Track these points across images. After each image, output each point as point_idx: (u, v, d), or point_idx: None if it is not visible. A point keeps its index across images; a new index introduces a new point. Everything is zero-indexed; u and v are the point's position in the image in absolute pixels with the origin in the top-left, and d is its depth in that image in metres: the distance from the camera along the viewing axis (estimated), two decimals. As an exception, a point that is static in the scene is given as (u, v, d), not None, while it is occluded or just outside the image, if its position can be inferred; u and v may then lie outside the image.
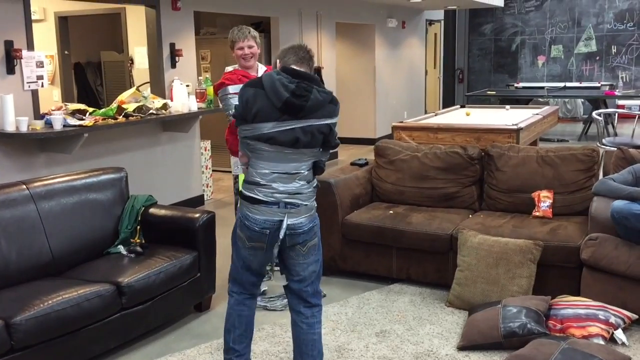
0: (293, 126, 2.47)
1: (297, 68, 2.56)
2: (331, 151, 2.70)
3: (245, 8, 7.01)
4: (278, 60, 2.66)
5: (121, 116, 4.84)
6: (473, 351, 3.18)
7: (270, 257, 2.65)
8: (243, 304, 2.78)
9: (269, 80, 2.49)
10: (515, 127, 5.56)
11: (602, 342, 3.12)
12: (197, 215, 3.65)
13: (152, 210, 3.78)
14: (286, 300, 2.94)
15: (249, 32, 3.88)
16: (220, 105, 3.99)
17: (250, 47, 3.86)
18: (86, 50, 8.07)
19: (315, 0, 8.35)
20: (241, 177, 3.82)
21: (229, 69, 3.97)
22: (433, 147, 4.51)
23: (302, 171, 2.57)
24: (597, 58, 13.13)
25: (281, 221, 2.53)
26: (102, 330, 3.03)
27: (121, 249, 3.56)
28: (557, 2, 13.36)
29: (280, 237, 2.54)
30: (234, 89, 3.74)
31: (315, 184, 2.66)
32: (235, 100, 3.64)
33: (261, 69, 3.95)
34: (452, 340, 3.31)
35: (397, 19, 10.76)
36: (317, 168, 2.65)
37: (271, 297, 3.86)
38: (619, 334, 3.21)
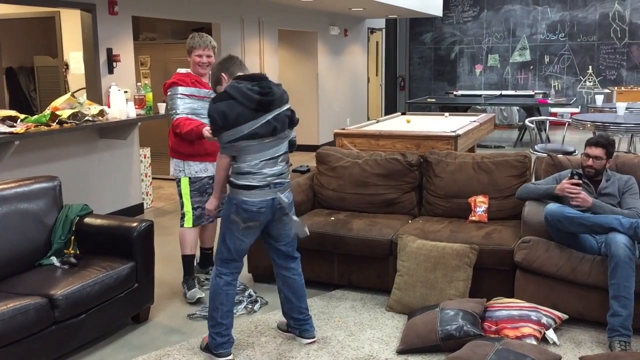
0: (268, 118, 2.99)
1: (246, 73, 3.10)
2: (294, 131, 3.22)
3: (186, 13, 6.93)
4: (224, 74, 3.14)
5: (55, 123, 4.69)
6: (412, 354, 3.23)
7: (254, 237, 3.17)
8: (230, 284, 3.19)
9: (237, 90, 2.97)
10: (453, 134, 5.71)
11: (534, 342, 3.23)
12: (134, 224, 3.57)
13: (87, 219, 3.67)
14: (240, 306, 3.79)
15: (210, 42, 3.95)
16: (167, 104, 4.03)
17: (208, 56, 3.93)
18: (18, 55, 7.80)
19: (257, 6, 8.35)
20: (183, 180, 3.91)
21: (181, 71, 3.99)
22: (373, 154, 4.57)
23: (281, 153, 3.11)
24: (531, 67, 13.64)
25: (273, 199, 3.06)
26: (33, 345, 2.92)
27: (54, 260, 3.45)
28: (493, 12, 13.82)
29: (281, 206, 3.08)
30: (184, 90, 3.86)
31: (290, 162, 3.19)
32: (182, 102, 3.84)
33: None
34: (392, 344, 3.35)
35: (339, 27, 10.88)
36: (291, 145, 3.21)
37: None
38: (551, 334, 3.32)
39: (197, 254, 4.23)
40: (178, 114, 3.84)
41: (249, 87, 2.97)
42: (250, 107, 2.96)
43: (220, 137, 3.04)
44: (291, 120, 3.13)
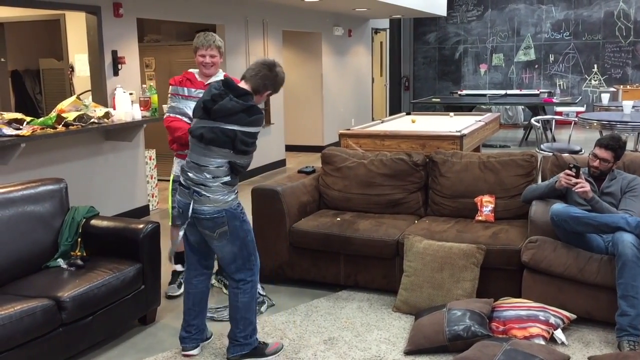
0: (203, 124, 2.92)
1: (243, 82, 2.99)
2: (244, 157, 2.98)
3: (191, 15, 6.93)
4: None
5: (61, 125, 4.70)
6: (419, 355, 3.22)
7: (201, 239, 3.10)
8: (190, 282, 3.23)
9: (210, 86, 3.00)
10: (458, 133, 5.69)
11: (542, 342, 3.21)
12: (140, 226, 3.57)
13: (93, 221, 3.68)
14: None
15: (214, 42, 3.85)
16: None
17: (212, 56, 3.86)
18: (24, 58, 7.82)
19: (261, 8, 8.35)
20: (171, 178, 3.99)
21: (193, 71, 3.98)
22: (379, 154, 4.57)
23: (210, 166, 2.94)
24: (536, 66, 13.60)
25: (188, 204, 2.98)
26: (41, 347, 2.92)
27: (61, 262, 3.45)
28: (497, 12, 13.79)
29: (189, 216, 2.98)
30: (172, 89, 3.94)
31: (224, 181, 2.96)
32: (169, 101, 3.93)
33: (217, 78, 3.92)
34: (399, 345, 3.34)
35: (343, 27, 10.87)
36: (234, 170, 3.00)
37: (218, 308, 3.81)
38: (559, 334, 3.31)
39: None
40: (166, 112, 3.96)
41: (214, 88, 2.94)
42: (201, 106, 2.96)
43: None
44: (233, 142, 2.89)
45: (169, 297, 4.05)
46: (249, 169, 8.35)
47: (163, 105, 5.79)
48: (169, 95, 3.97)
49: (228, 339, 3.20)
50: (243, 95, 2.91)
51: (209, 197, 2.95)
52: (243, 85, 2.98)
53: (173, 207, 3.89)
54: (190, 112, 3.66)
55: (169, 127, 3.89)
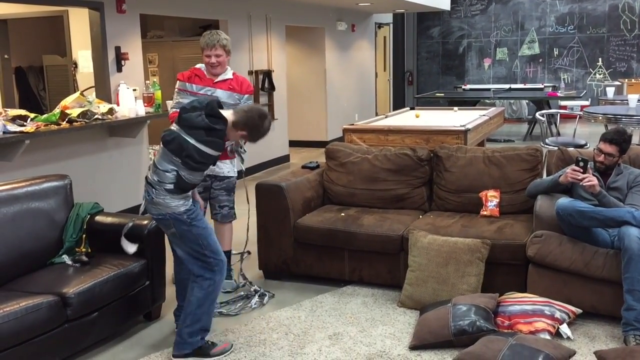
0: (173, 129, 2.98)
1: (230, 111, 3.06)
2: (190, 172, 2.96)
3: (193, 11, 6.92)
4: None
5: (65, 122, 4.70)
6: (425, 350, 3.22)
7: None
8: (179, 266, 3.34)
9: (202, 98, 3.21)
10: (463, 128, 5.67)
11: (548, 337, 3.20)
12: (145, 222, 3.57)
13: (98, 217, 3.68)
14: (254, 300, 3.79)
15: (218, 41, 3.79)
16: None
17: (217, 56, 3.80)
18: (28, 54, 7.82)
19: (264, 3, 8.33)
20: None
21: (202, 67, 3.94)
22: (383, 149, 4.55)
23: (160, 168, 2.97)
24: (540, 60, 13.55)
25: (144, 199, 3.07)
26: (46, 343, 2.93)
27: (66, 258, 3.45)
28: (501, 6, 13.73)
29: (140, 211, 3.13)
30: (179, 84, 3.89)
31: (167, 188, 2.97)
32: (175, 95, 3.90)
33: (225, 76, 3.92)
34: (404, 340, 3.34)
35: (346, 22, 10.84)
36: (178, 181, 2.96)
37: (222, 303, 3.80)
38: (564, 329, 3.30)
39: None
40: (172, 107, 3.92)
41: (198, 102, 3.01)
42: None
43: None
44: (182, 151, 2.92)
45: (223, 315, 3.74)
46: (250, 165, 8.33)
47: (167, 102, 5.80)
48: (176, 90, 3.93)
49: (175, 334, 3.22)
50: (214, 117, 2.94)
51: (152, 198, 3.01)
52: (228, 114, 3.02)
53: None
54: None
55: (173, 117, 3.83)
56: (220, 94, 3.81)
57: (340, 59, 10.78)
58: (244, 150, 3.41)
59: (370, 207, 4.39)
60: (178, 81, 3.92)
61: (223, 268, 3.17)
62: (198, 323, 3.12)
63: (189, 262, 3.14)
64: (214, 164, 3.16)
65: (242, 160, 3.50)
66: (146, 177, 3.06)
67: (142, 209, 3.11)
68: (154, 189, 2.99)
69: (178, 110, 3.77)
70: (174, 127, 2.99)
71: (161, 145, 2.99)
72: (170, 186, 2.97)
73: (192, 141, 2.90)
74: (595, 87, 13.15)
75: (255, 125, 3.03)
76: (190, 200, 3.08)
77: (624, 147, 3.62)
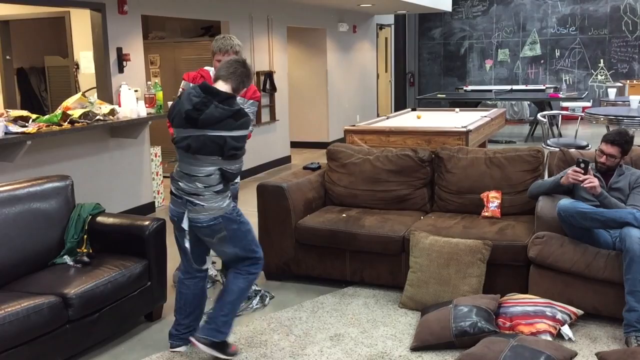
0: (188, 134, 2.86)
1: (221, 82, 2.91)
2: (234, 162, 2.94)
3: (195, 12, 6.93)
4: (215, 69, 3.10)
5: (66, 122, 4.70)
6: (426, 351, 3.21)
7: (201, 247, 3.15)
8: (183, 283, 3.25)
9: (185, 94, 2.90)
10: (464, 129, 5.67)
11: (549, 338, 3.20)
12: (146, 222, 3.57)
13: (99, 218, 3.68)
14: (255, 301, 3.79)
15: (231, 47, 3.70)
16: None
17: None
18: (29, 55, 7.83)
19: (266, 4, 8.33)
20: None
21: (209, 69, 3.88)
22: (385, 150, 4.55)
23: (200, 175, 2.91)
24: (542, 61, 13.54)
25: (183, 213, 3.00)
26: (47, 344, 2.93)
27: (67, 259, 3.46)
28: (502, 7, 13.72)
29: (184, 227, 3.01)
30: (184, 84, 3.80)
31: (217, 190, 2.94)
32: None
33: None
34: (405, 341, 3.34)
35: (348, 24, 10.85)
36: (223, 175, 2.96)
37: None
38: (566, 330, 3.29)
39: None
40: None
41: (193, 96, 2.85)
42: (182, 115, 2.87)
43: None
44: (221, 148, 2.84)
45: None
46: (251, 166, 8.33)
47: (168, 102, 5.81)
48: (181, 89, 3.83)
49: (205, 320, 3.18)
50: (226, 99, 2.84)
51: (203, 205, 2.94)
52: (221, 86, 2.90)
53: None
54: None
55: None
56: None
57: (342, 60, 10.79)
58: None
59: (372, 208, 4.39)
60: (183, 81, 3.86)
61: (262, 258, 3.21)
62: (233, 313, 3.13)
63: (236, 262, 3.12)
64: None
65: None
66: (179, 191, 2.96)
67: (185, 224, 2.99)
68: (201, 196, 2.92)
69: None
70: (187, 132, 2.85)
71: (186, 154, 2.89)
72: (220, 186, 2.94)
73: (225, 134, 2.81)
74: (597, 88, 13.14)
75: (248, 74, 2.97)
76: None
77: (626, 149, 3.62)
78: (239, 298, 3.13)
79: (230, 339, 3.39)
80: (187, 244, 3.08)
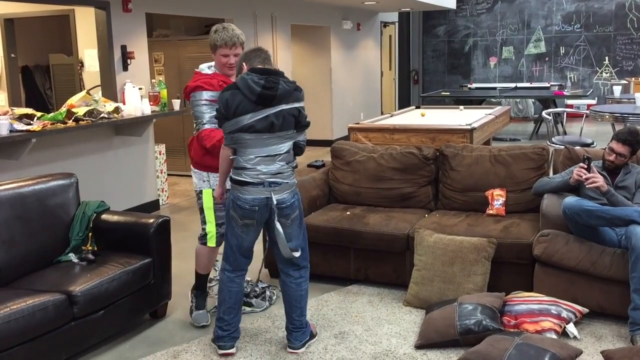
0: (267, 113, 2.90)
1: (263, 67, 2.99)
2: (303, 134, 3.10)
3: (199, 10, 6.93)
4: (244, 64, 3.04)
5: (71, 120, 4.71)
6: (430, 349, 3.21)
7: (255, 235, 3.11)
8: (233, 281, 3.17)
9: (242, 81, 2.92)
10: (468, 127, 5.65)
11: (554, 336, 3.19)
12: (150, 220, 3.57)
13: (104, 216, 3.69)
14: (267, 297, 3.84)
15: (238, 38, 3.36)
16: (192, 111, 3.45)
17: (237, 55, 3.33)
18: (34, 53, 7.85)
19: (270, 2, 8.33)
20: (205, 192, 3.43)
21: (204, 68, 3.45)
22: (389, 148, 4.55)
23: (282, 152, 2.99)
24: (547, 59, 13.49)
25: (267, 198, 2.97)
26: (52, 341, 2.94)
27: (72, 256, 3.47)
28: (507, 4, 13.68)
29: (274, 209, 2.98)
30: (210, 95, 3.31)
31: (294, 164, 3.08)
32: (209, 109, 3.31)
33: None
34: (410, 339, 3.33)
35: (352, 21, 10.83)
36: (297, 148, 3.08)
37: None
38: (571, 328, 3.28)
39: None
40: (204, 124, 3.32)
41: (255, 79, 2.89)
42: (251, 99, 2.88)
43: (223, 127, 3.01)
44: (297, 120, 2.99)
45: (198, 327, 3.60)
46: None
47: (172, 100, 5.81)
48: (203, 102, 3.32)
49: (291, 331, 3.23)
50: (283, 76, 2.98)
51: (287, 183, 3.02)
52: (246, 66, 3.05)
53: (218, 225, 3.44)
54: None
55: (212, 136, 3.30)
56: None
57: (346, 58, 10.77)
58: None
59: (376, 205, 4.39)
60: (203, 92, 3.32)
61: None
62: (306, 309, 3.24)
63: (302, 252, 3.15)
64: None
65: None
66: (259, 177, 2.94)
67: (274, 204, 2.96)
68: (285, 174, 3.00)
69: (214, 125, 3.27)
70: (261, 114, 2.88)
71: (263, 135, 2.90)
72: (294, 162, 3.08)
73: (297, 105, 2.97)
74: (602, 85, 13.10)
75: (269, 57, 3.07)
76: None
77: (636, 148, 3.60)
78: (307, 295, 3.26)
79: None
80: (278, 226, 3.00)
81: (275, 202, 2.97)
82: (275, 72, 2.98)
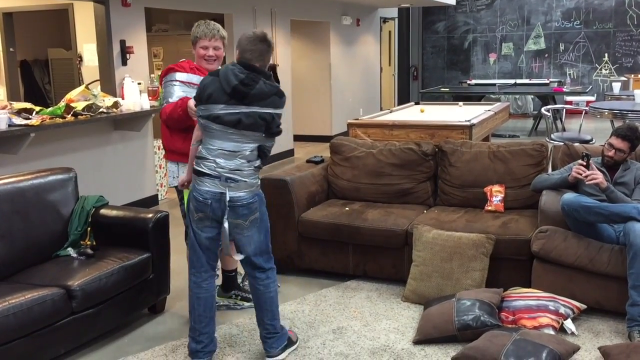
0: (238, 110, 2.80)
1: (250, 62, 2.85)
2: (272, 140, 2.97)
3: (198, 4, 6.91)
4: (237, 50, 2.89)
5: (70, 115, 4.71)
6: (429, 345, 3.22)
7: (216, 235, 2.94)
8: (200, 286, 3.00)
9: (224, 70, 2.84)
10: (468, 123, 5.66)
11: (552, 332, 3.20)
12: (149, 215, 3.58)
13: (103, 211, 3.69)
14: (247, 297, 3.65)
15: (218, 31, 3.39)
16: (161, 95, 3.49)
17: (216, 48, 3.39)
18: (33, 48, 7.84)
19: (269, -3, 8.31)
20: (186, 194, 3.31)
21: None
22: (388, 144, 4.55)
23: (244, 151, 2.87)
24: (546, 55, 13.49)
25: (222, 193, 2.85)
26: (51, 336, 2.94)
27: (71, 251, 3.47)
28: (507, 0, 13.67)
29: (226, 206, 2.85)
30: (181, 76, 3.38)
31: (256, 165, 2.93)
32: (179, 89, 3.37)
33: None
34: (408, 334, 3.34)
35: (351, 17, 10.81)
36: (261, 152, 2.94)
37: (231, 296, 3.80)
38: (569, 324, 3.29)
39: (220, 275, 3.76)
40: (169, 102, 3.36)
41: (237, 72, 2.78)
42: (226, 91, 2.78)
43: (197, 110, 2.91)
44: (268, 125, 2.85)
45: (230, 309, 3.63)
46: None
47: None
48: (176, 82, 3.39)
49: (265, 339, 3.06)
50: (269, 78, 2.85)
51: (246, 181, 2.87)
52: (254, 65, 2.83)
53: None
54: None
55: (171, 104, 3.30)
56: None
57: (345, 54, 10.76)
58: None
59: (375, 201, 4.39)
60: (176, 73, 3.39)
61: None
62: (278, 314, 3.08)
63: (263, 254, 2.99)
64: None
65: None
66: (216, 170, 2.83)
67: (227, 199, 2.83)
68: (244, 172, 2.85)
69: (177, 100, 3.32)
70: (233, 109, 2.77)
71: (229, 130, 2.80)
72: (258, 162, 2.92)
73: (272, 111, 2.83)
74: (601, 82, 13.10)
75: (271, 52, 2.90)
76: None
77: (635, 144, 3.61)
78: (277, 297, 3.09)
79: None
80: (225, 225, 2.85)
81: (228, 198, 2.83)
82: (260, 70, 2.83)
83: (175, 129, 3.42)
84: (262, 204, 2.98)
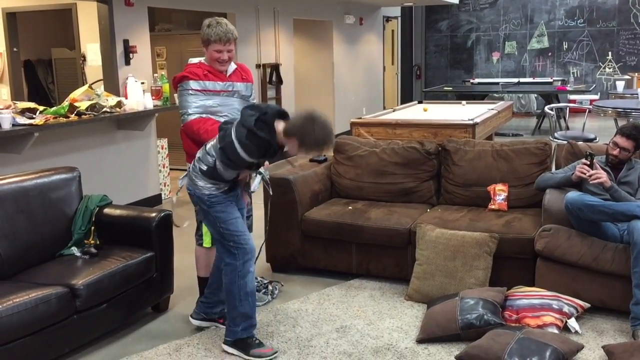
0: (235, 120, 3.00)
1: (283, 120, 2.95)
2: (221, 164, 2.98)
3: (201, 4, 6.92)
4: (296, 140, 2.85)
5: (73, 114, 4.72)
6: (432, 343, 3.22)
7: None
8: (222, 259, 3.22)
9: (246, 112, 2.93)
10: (471, 122, 5.65)
11: (556, 331, 3.20)
12: (152, 214, 3.58)
13: (106, 210, 3.69)
14: (270, 291, 3.82)
15: (232, 34, 3.32)
16: (177, 102, 3.52)
17: (229, 51, 3.34)
18: (36, 47, 7.86)
19: (272, -4, 8.32)
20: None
21: (193, 61, 3.50)
22: (391, 143, 4.54)
23: (206, 150, 3.03)
24: (549, 54, 13.46)
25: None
26: (55, 334, 2.95)
27: (74, 250, 3.47)
28: (510, -1, 13.64)
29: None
30: (196, 85, 3.34)
31: (202, 169, 3.00)
32: (194, 99, 3.33)
33: (231, 68, 3.48)
34: (411, 333, 3.34)
35: (354, 16, 10.81)
36: (214, 169, 3.03)
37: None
38: (572, 323, 3.29)
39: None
40: (190, 114, 3.33)
41: (255, 107, 2.98)
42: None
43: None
44: (220, 143, 2.98)
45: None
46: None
47: (174, 94, 5.79)
48: (190, 91, 3.34)
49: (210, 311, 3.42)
50: (263, 122, 2.82)
51: (189, 172, 3.09)
52: (281, 124, 2.87)
53: None
54: (222, 110, 3.38)
55: (202, 128, 3.31)
56: (240, 86, 3.48)
57: (348, 53, 10.76)
58: (265, 173, 3.22)
59: (378, 200, 4.39)
60: (190, 81, 3.34)
61: (245, 255, 3.05)
62: (234, 310, 3.10)
63: (217, 243, 3.20)
64: (252, 168, 3.06)
65: (267, 183, 3.33)
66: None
67: (182, 180, 3.17)
68: (194, 164, 3.06)
69: (199, 115, 3.34)
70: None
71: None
72: (205, 168, 3.00)
73: (233, 137, 2.84)
74: (605, 81, 13.06)
75: (306, 130, 2.80)
76: (223, 190, 3.03)
77: None
78: (228, 294, 3.09)
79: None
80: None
81: (182, 180, 3.17)
82: (267, 113, 2.86)
83: None
84: (201, 202, 3.08)
